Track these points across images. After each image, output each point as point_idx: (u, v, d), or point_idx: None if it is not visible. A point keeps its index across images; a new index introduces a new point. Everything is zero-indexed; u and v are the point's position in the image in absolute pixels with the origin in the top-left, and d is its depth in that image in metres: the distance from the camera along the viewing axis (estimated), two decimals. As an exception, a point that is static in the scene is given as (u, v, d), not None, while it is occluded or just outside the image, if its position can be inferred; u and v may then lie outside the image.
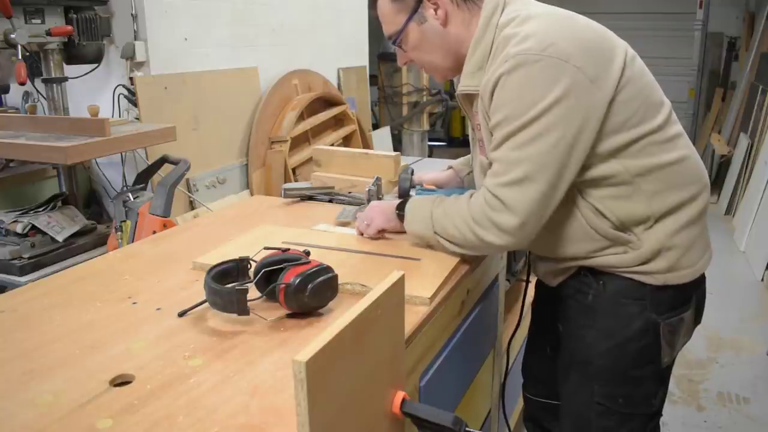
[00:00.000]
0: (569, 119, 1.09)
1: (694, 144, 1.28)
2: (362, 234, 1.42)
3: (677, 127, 1.23)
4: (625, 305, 1.23)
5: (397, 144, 5.91)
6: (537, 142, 1.10)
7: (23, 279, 1.99)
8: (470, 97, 1.28)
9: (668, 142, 1.19)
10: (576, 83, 1.09)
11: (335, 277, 1.06)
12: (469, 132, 1.42)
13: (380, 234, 1.40)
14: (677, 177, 1.20)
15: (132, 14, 2.56)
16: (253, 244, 1.31)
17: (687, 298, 1.26)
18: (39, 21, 2.17)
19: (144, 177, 2.30)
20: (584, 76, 1.09)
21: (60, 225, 2.19)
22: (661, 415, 1.32)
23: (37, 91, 2.65)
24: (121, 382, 0.88)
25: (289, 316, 1.05)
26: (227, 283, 1.09)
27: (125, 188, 2.33)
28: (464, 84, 1.26)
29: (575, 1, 6.06)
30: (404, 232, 1.35)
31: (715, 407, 2.57)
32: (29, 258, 2.05)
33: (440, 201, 1.28)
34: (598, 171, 1.17)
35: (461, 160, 1.66)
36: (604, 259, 1.22)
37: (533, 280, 1.53)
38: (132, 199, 2.09)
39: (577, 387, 1.31)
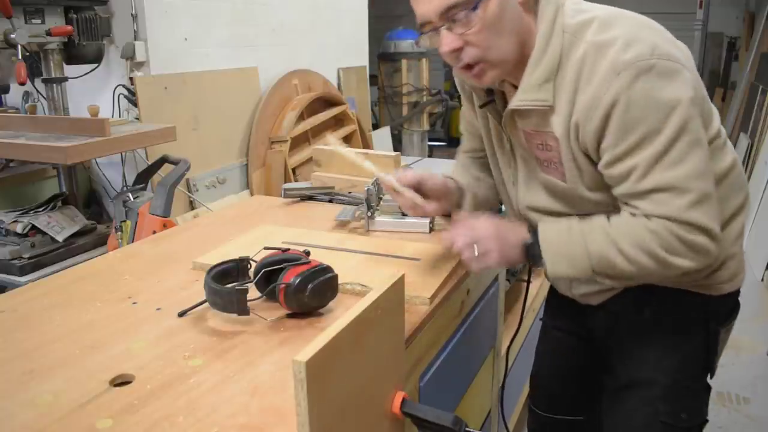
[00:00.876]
0: (699, 119, 1.00)
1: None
2: (457, 252, 1.13)
3: (724, 129, 1.17)
4: (687, 318, 1.18)
5: (397, 144, 5.91)
6: (694, 153, 0.98)
7: (23, 279, 1.99)
8: (522, 113, 1.10)
9: (725, 145, 1.14)
10: (689, 81, 1.00)
11: (335, 277, 1.06)
12: (499, 148, 1.23)
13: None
14: (736, 181, 1.15)
15: (132, 14, 2.56)
16: (253, 244, 1.31)
17: (737, 302, 1.23)
18: (39, 21, 2.17)
19: (144, 177, 2.30)
20: (690, 73, 1.01)
21: (60, 225, 2.19)
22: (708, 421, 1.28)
23: (37, 91, 2.65)
24: (121, 382, 0.88)
25: (289, 316, 1.05)
26: (227, 283, 1.09)
27: (125, 188, 2.33)
28: (526, 98, 1.06)
29: (575, 1, 6.06)
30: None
31: (715, 407, 2.57)
32: (29, 258, 2.06)
33: (587, 229, 1.06)
34: None
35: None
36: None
37: (534, 280, 1.52)
38: (132, 199, 2.09)
39: (636, 405, 1.24)
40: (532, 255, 1.09)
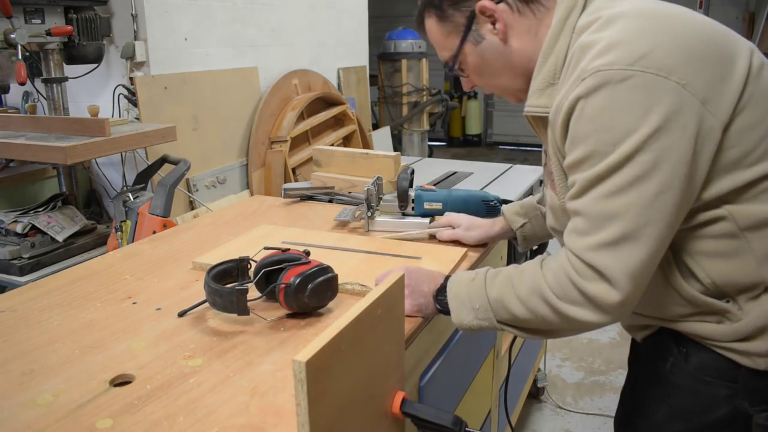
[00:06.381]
0: (675, 156, 0.83)
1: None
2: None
3: None
4: (710, 385, 0.97)
5: (397, 144, 5.91)
6: (635, 189, 0.84)
7: (23, 279, 1.99)
8: (542, 120, 1.01)
9: None
10: (681, 106, 0.82)
11: (335, 277, 1.06)
12: (543, 160, 1.16)
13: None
14: None
15: (132, 14, 2.56)
16: (253, 244, 1.31)
17: None
18: (39, 21, 2.17)
19: (144, 177, 2.31)
20: (691, 95, 0.83)
21: (60, 225, 2.19)
22: None
23: (37, 91, 2.65)
24: (121, 382, 0.88)
25: (289, 316, 1.05)
26: (227, 283, 1.09)
27: (125, 188, 2.33)
28: (532, 104, 1.00)
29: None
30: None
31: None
32: (29, 258, 2.06)
33: (493, 276, 1.01)
34: (696, 219, 0.90)
35: (516, 206, 1.40)
36: (689, 326, 0.96)
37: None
38: (132, 199, 2.09)
39: None
40: (442, 305, 1.05)
